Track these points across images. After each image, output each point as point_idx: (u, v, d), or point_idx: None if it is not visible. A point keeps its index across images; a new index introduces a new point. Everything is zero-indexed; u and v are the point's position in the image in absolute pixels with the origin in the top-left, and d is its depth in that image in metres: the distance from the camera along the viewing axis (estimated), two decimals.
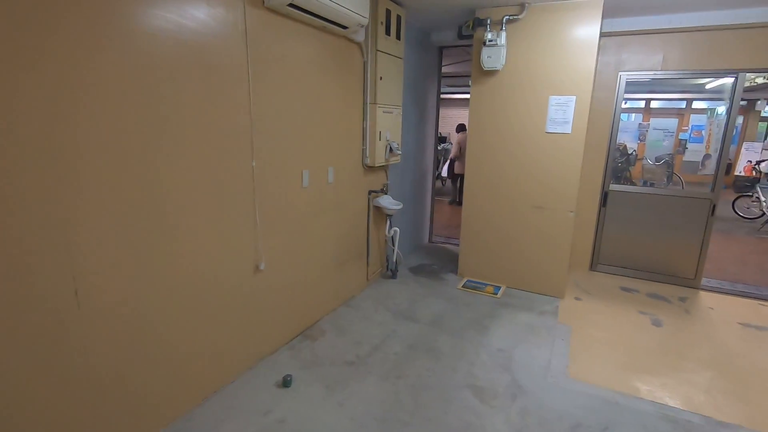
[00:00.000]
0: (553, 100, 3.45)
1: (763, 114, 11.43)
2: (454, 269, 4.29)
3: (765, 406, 2.39)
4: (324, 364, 2.65)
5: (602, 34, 3.77)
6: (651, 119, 9.84)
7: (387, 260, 4.16)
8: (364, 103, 3.39)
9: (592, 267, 4.51)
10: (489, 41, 3.45)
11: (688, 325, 3.34)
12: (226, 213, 2.24)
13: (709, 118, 8.75)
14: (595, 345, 3.00)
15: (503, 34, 3.44)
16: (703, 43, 3.72)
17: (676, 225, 4.11)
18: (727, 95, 3.97)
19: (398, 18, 3.47)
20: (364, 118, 3.41)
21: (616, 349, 2.95)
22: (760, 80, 8.33)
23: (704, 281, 4.13)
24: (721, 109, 4.60)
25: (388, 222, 3.95)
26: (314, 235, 3.02)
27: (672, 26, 3.69)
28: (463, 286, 3.94)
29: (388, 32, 3.35)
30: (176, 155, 1.94)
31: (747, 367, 2.77)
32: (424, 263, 4.57)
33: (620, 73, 4.06)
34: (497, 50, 3.46)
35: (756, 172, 8.47)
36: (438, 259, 4.70)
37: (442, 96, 5.36)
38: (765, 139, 11.62)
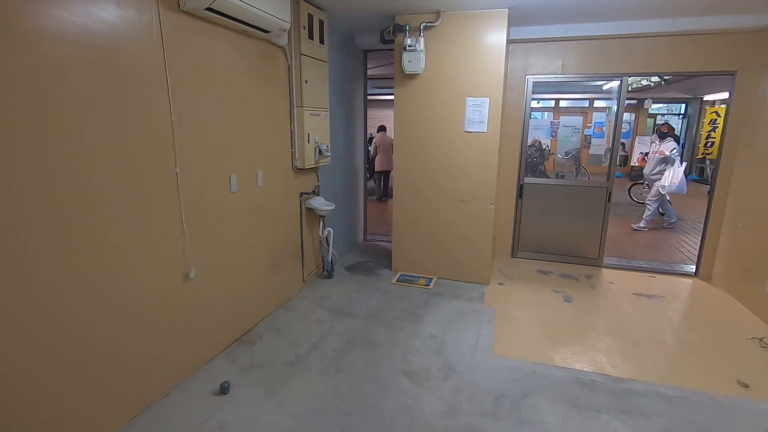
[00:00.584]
0: (470, 101, 3.73)
1: (650, 111, 13.05)
2: (388, 265, 4.45)
3: (652, 361, 2.81)
4: (263, 367, 2.66)
5: (510, 41, 4.14)
6: (561, 117, 10.85)
7: (322, 260, 4.22)
8: (291, 107, 3.42)
9: (513, 254, 4.92)
10: (409, 46, 3.64)
11: (592, 299, 3.79)
12: (149, 222, 2.17)
13: (607, 115, 9.85)
14: (516, 324, 3.30)
15: (422, 40, 3.65)
16: (594, 50, 4.23)
17: (582, 212, 4.62)
18: (615, 95, 4.53)
19: (321, 22, 3.54)
20: (291, 121, 3.44)
21: (534, 326, 3.27)
22: (644, 82, 9.52)
23: (606, 260, 4.69)
24: (616, 107, 5.23)
25: (322, 223, 4.00)
26: (246, 240, 3.00)
27: (568, 35, 4.14)
28: (397, 281, 4.11)
29: (311, 36, 3.41)
30: (92, 164, 1.85)
31: (639, 330, 3.22)
32: (359, 261, 4.68)
33: (527, 76, 4.48)
34: (417, 55, 3.67)
35: (647, 162, 9.65)
36: (373, 256, 4.84)
37: (371, 97, 5.51)
38: (653, 133, 13.27)
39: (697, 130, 12.34)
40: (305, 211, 3.78)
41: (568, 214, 4.66)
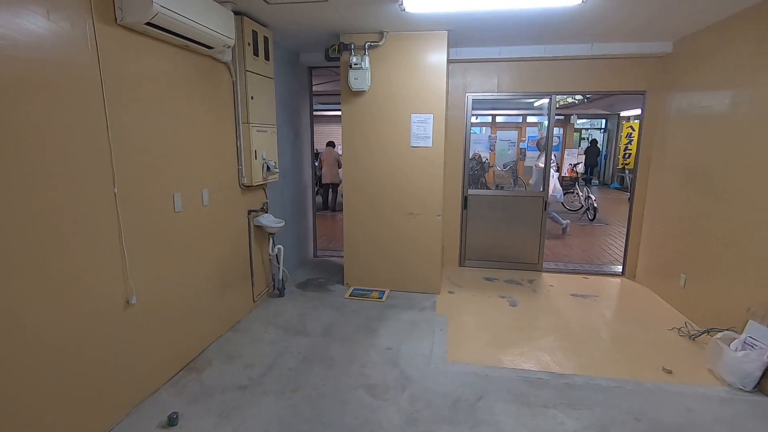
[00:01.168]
0: (415, 117, 3.88)
1: (576, 126, 14.23)
2: (341, 280, 4.44)
3: (590, 356, 3.03)
4: (214, 393, 2.54)
5: (450, 61, 4.37)
6: (498, 132, 11.51)
7: (273, 279, 4.12)
8: (237, 123, 3.36)
9: (461, 263, 5.11)
10: (354, 64, 3.73)
11: (535, 302, 4.03)
12: (85, 246, 2.03)
13: (539, 130, 10.60)
14: (467, 330, 3.43)
15: (367, 59, 3.76)
16: (525, 71, 4.58)
17: (522, 220, 4.92)
18: (546, 111, 4.92)
19: (265, 39, 3.54)
20: (237, 138, 3.38)
21: (484, 331, 3.42)
22: (570, 99, 10.38)
23: (545, 264, 5.01)
24: (547, 123, 5.66)
25: (271, 240, 3.93)
26: (192, 262, 2.88)
27: (502, 56, 4.46)
28: (350, 295, 4.11)
29: (256, 53, 3.39)
30: (17, 185, 1.71)
31: (578, 328, 3.47)
32: (311, 278, 4.63)
33: (467, 94, 4.74)
34: (363, 73, 3.76)
35: (575, 173, 10.47)
36: (324, 272, 4.81)
37: (318, 113, 5.53)
38: (579, 146, 14.46)
39: (616, 142, 13.62)
40: (254, 228, 3.70)
41: (510, 222, 4.94)
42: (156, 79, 2.48)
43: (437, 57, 3.76)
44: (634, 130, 11.38)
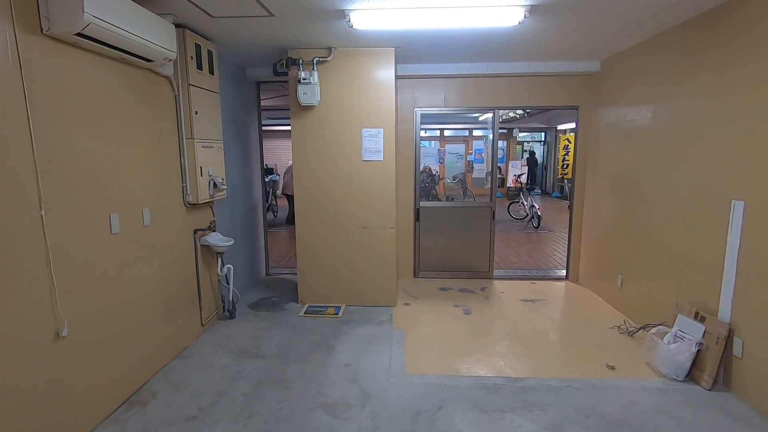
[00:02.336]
0: (365, 132, 3.92)
1: (518, 139, 15.01)
2: (295, 298, 4.33)
3: (542, 357, 3.16)
4: (159, 428, 2.36)
5: (398, 77, 4.48)
6: (446, 145, 11.88)
7: (223, 300, 3.94)
8: (181, 139, 3.21)
9: (416, 274, 5.16)
10: (303, 79, 3.72)
11: (488, 309, 4.14)
12: (5, 275, 1.84)
13: (485, 143, 11.07)
14: (424, 341, 3.45)
15: (315, 74, 3.76)
16: (470, 87, 4.79)
17: (472, 230, 5.07)
18: (490, 125, 5.15)
19: (210, 53, 3.44)
20: (181, 154, 3.23)
21: (441, 340, 3.46)
22: (512, 114, 10.94)
23: (495, 272, 5.19)
24: (491, 136, 5.92)
25: (220, 260, 3.76)
26: (132, 287, 2.69)
27: (448, 73, 4.63)
28: (305, 313, 4.02)
29: (200, 67, 3.28)
30: None
31: (528, 332, 3.61)
32: (263, 297, 4.47)
33: (416, 109, 4.86)
34: (312, 88, 3.75)
35: (519, 183, 11.01)
36: (278, 291, 4.67)
37: (269, 128, 5.43)
38: (521, 157, 15.27)
39: (555, 154, 14.52)
40: (201, 248, 3.53)
41: (461, 233, 5.08)
42: (89, 93, 2.32)
43: (386, 73, 3.84)
44: (570, 142, 12.19)
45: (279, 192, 10.02)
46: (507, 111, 10.04)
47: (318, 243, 4.14)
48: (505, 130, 13.26)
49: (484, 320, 3.88)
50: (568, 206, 5.05)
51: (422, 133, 4.99)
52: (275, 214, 10.00)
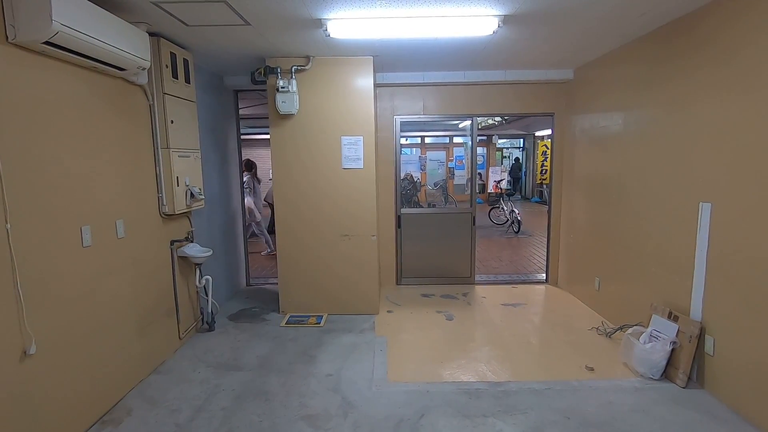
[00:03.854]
0: (345, 140, 3.92)
1: (498, 145, 15.27)
2: (276, 308, 4.27)
3: (522, 361, 3.19)
4: None
5: (377, 85, 4.51)
6: (427, 152, 11.99)
7: (201, 312, 3.86)
8: (156, 148, 3.16)
9: (398, 281, 5.16)
10: (282, 88, 3.71)
11: (470, 314, 4.17)
12: None
13: (465, 150, 11.22)
14: (407, 348, 3.44)
15: (294, 82, 3.76)
16: (448, 95, 4.85)
17: (453, 236, 5.11)
18: (469, 132, 5.23)
19: (185, 61, 3.40)
20: (157, 164, 3.17)
21: (423, 347, 3.45)
22: (491, 121, 11.12)
23: (477, 277, 5.23)
24: (471, 143, 6.00)
25: (198, 271, 3.69)
26: (104, 301, 2.61)
27: (426, 81, 4.69)
28: (286, 323, 3.96)
29: (175, 75, 3.24)
30: None
31: (509, 336, 3.64)
32: (243, 308, 4.40)
33: (395, 117, 4.90)
34: (290, 96, 3.74)
35: (499, 189, 11.16)
36: (258, 301, 4.60)
37: (248, 137, 5.38)
38: (501, 164, 15.51)
39: (533, 160, 14.80)
40: (178, 260, 3.45)
41: (442, 239, 5.11)
42: (58, 103, 2.27)
43: (364, 81, 3.86)
44: (548, 148, 12.44)
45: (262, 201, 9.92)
46: (486, 118, 10.20)
47: (298, 251, 4.10)
48: (484, 137, 13.46)
49: (466, 326, 3.89)
50: (547, 211, 5.15)
51: (403, 141, 5.02)
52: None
